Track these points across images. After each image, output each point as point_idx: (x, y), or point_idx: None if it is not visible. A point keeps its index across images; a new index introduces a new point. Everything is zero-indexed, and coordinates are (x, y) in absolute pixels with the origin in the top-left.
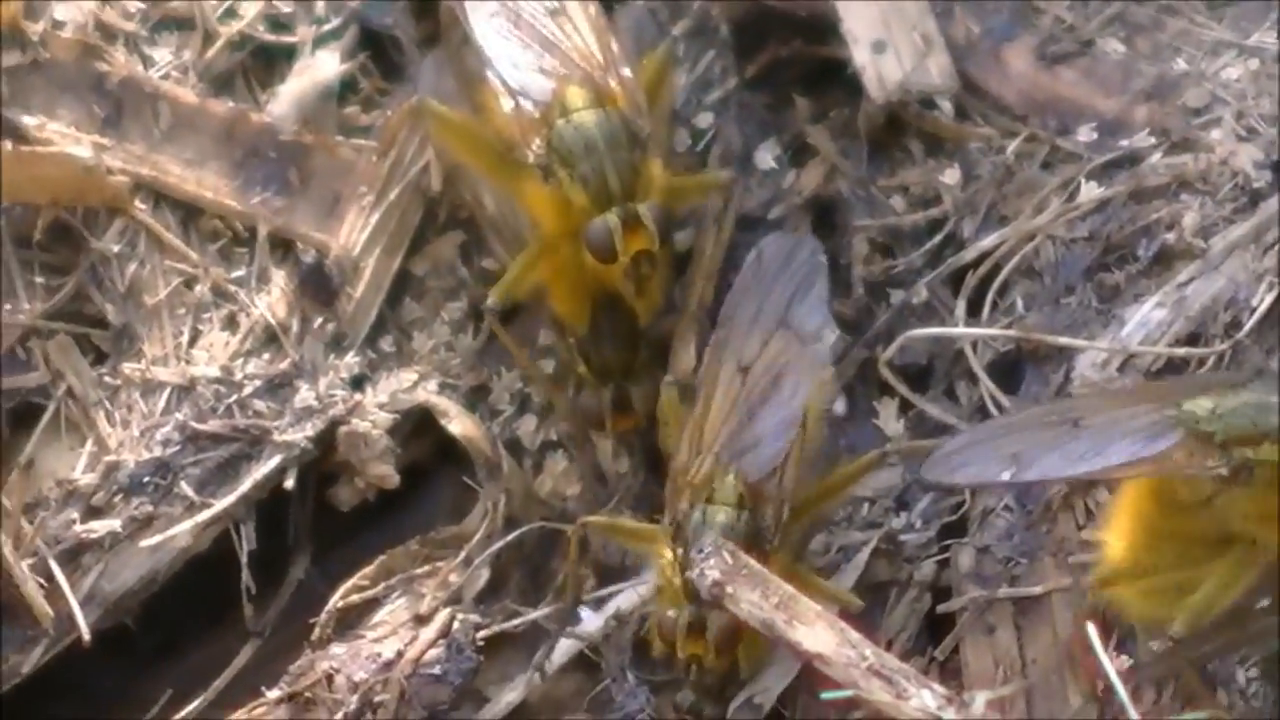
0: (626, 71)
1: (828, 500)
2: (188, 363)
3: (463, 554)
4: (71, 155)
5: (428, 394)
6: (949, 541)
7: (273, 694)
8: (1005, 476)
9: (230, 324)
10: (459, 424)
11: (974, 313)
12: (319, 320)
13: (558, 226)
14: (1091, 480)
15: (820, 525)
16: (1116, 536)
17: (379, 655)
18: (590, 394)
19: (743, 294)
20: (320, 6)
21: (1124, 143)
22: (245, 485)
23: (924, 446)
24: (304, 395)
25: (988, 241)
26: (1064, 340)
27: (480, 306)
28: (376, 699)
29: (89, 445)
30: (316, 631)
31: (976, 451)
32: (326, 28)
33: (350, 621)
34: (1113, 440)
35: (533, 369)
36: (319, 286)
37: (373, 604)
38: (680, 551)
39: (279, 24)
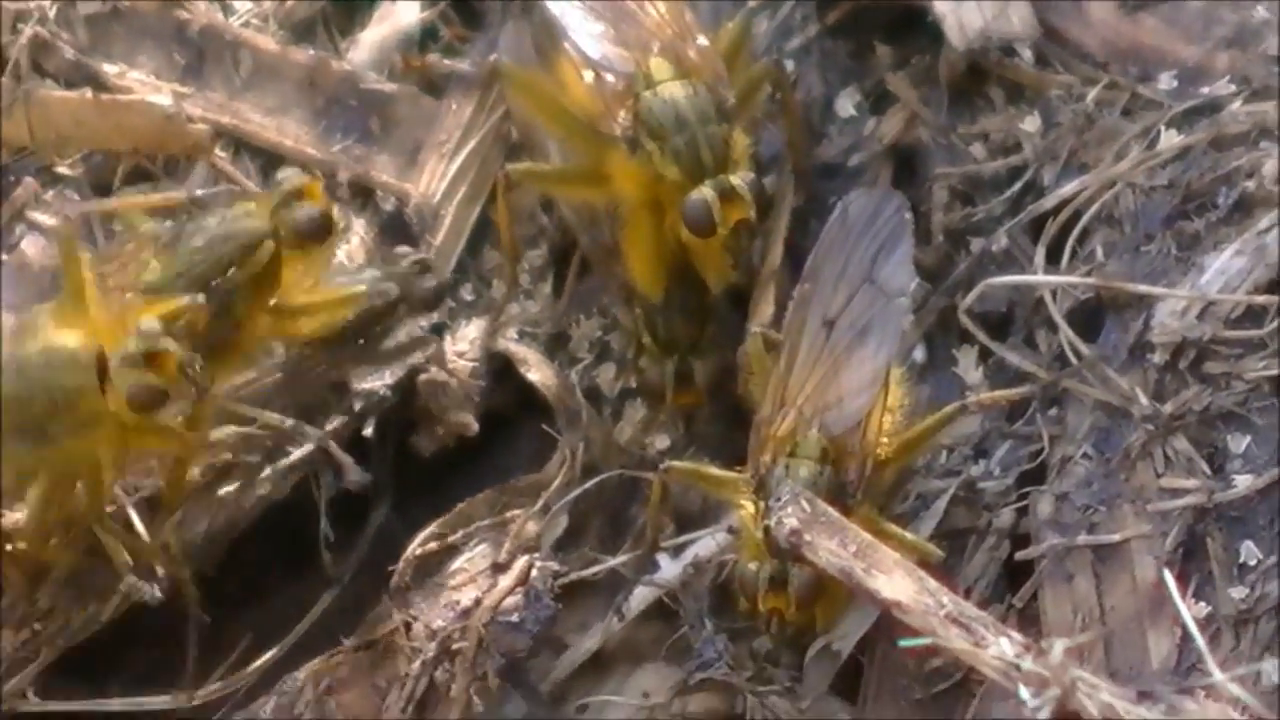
0: (703, 40)
1: (910, 453)
2: None
3: (541, 502)
4: (152, 103)
5: (507, 342)
6: (1028, 489)
7: (350, 642)
8: None
9: None
10: (538, 372)
11: (1053, 260)
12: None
13: (642, 198)
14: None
15: (905, 478)
16: None
17: (457, 603)
18: (653, 366)
19: (828, 249)
20: None
21: (1204, 90)
22: (325, 433)
23: (1003, 396)
24: (384, 343)
25: (1067, 189)
26: (1143, 288)
27: (502, 171)
28: (455, 646)
29: None
30: (395, 579)
31: None
32: None
33: (428, 569)
34: None
35: (514, 249)
36: (399, 234)
37: (451, 552)
38: (762, 504)
39: None
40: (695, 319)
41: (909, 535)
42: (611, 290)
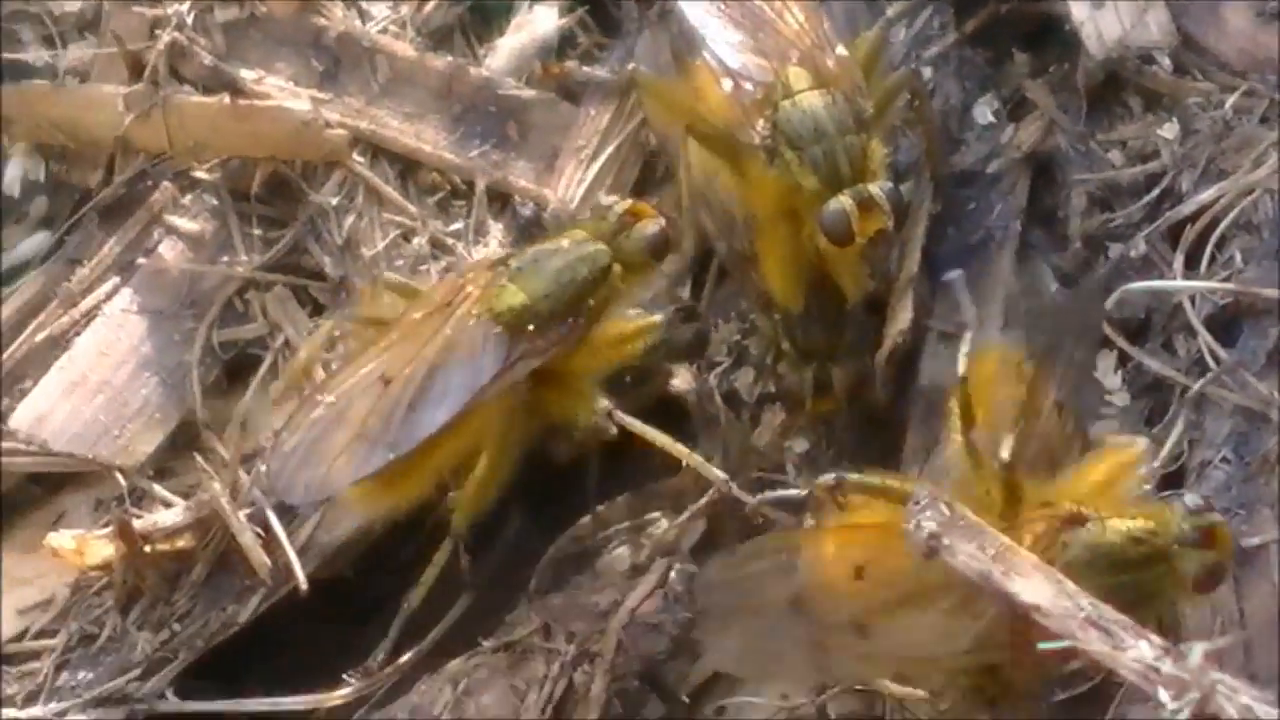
0: (842, 50)
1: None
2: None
3: (679, 506)
4: (289, 109)
5: None
6: (1167, 493)
7: (489, 644)
8: None
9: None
10: (677, 377)
11: (1192, 266)
12: None
13: (779, 207)
14: None
15: None
16: None
17: (595, 605)
18: (792, 373)
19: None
20: None
21: None
22: None
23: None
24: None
25: (1206, 196)
26: None
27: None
28: (593, 649)
29: None
30: (533, 582)
31: None
32: None
33: (566, 573)
34: None
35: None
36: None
37: (589, 556)
38: None
39: None
40: (833, 327)
41: None
42: (749, 297)
